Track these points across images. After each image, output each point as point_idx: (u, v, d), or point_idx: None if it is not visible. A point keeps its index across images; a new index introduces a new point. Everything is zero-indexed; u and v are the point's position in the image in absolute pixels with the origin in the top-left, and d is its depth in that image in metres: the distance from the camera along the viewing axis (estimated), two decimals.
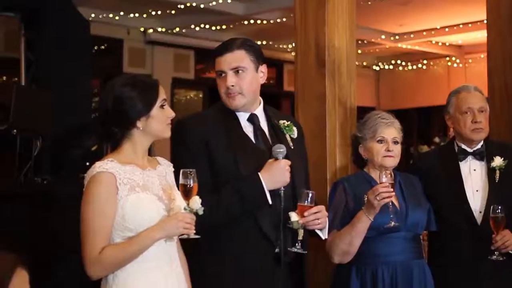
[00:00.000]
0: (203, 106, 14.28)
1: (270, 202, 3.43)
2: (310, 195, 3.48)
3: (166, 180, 3.23)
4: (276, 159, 3.45)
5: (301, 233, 3.50)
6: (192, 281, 3.31)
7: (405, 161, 4.18)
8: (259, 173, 3.43)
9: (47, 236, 5.60)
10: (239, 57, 3.58)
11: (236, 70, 3.56)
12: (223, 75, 3.57)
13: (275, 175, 3.42)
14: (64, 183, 6.58)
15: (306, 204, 3.47)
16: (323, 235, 3.64)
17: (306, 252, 3.58)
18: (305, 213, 3.46)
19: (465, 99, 4.27)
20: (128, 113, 3.07)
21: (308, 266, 3.81)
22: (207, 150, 3.48)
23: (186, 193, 3.08)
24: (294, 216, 3.48)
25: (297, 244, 3.51)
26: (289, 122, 3.67)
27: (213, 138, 3.50)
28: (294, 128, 3.67)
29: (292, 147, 3.60)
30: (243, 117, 3.64)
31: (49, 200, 5.75)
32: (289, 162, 3.47)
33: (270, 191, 3.44)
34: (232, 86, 3.55)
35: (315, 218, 3.48)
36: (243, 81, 3.57)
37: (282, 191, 3.46)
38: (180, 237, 3.11)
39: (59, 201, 5.74)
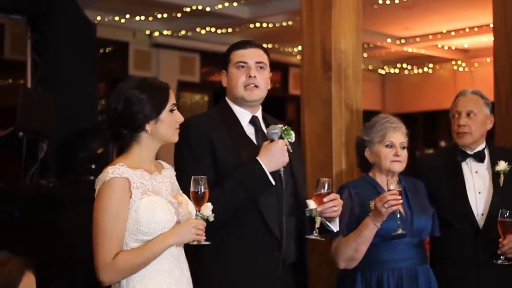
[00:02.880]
0: (209, 109, 14.27)
1: (273, 182, 3.44)
2: (327, 182, 3.51)
3: (173, 184, 3.23)
4: (272, 140, 3.47)
5: (318, 220, 3.52)
6: (196, 281, 3.30)
7: (410, 165, 4.17)
8: (257, 158, 3.43)
9: (53, 238, 5.61)
10: (262, 54, 3.72)
11: (260, 66, 3.67)
12: (244, 67, 3.65)
13: (273, 156, 3.43)
14: (69, 186, 6.59)
15: (323, 192, 3.50)
16: (335, 227, 3.65)
17: (323, 239, 3.61)
18: (325, 199, 3.49)
19: (456, 103, 4.29)
20: (137, 115, 3.05)
21: (312, 271, 3.81)
22: (211, 150, 3.50)
23: (198, 200, 3.09)
24: (312, 204, 3.50)
25: (314, 232, 3.53)
26: (286, 126, 3.66)
27: (217, 139, 3.52)
28: (292, 132, 3.64)
29: (291, 151, 3.59)
30: (244, 119, 3.68)
31: (55, 203, 5.76)
32: (285, 142, 3.49)
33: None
34: (254, 77, 3.62)
35: (333, 205, 3.52)
36: (263, 77, 3.68)
37: (282, 171, 3.48)
38: (190, 243, 3.10)
39: (64, 203, 5.75)
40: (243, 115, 3.68)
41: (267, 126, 3.71)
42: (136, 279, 3.02)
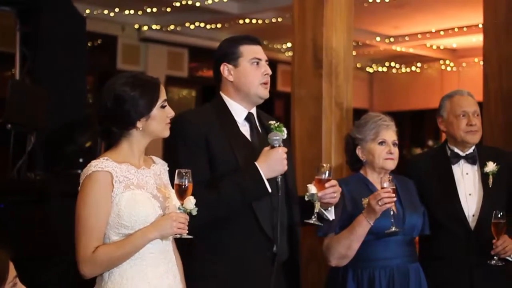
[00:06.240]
0: (196, 104, 14.28)
1: (269, 190, 3.42)
2: (328, 167, 3.53)
3: (161, 179, 3.22)
4: (273, 146, 3.45)
5: (317, 205, 3.54)
6: (188, 280, 3.30)
7: (399, 165, 4.19)
8: (256, 163, 3.41)
9: (39, 231, 5.59)
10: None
11: (267, 63, 3.67)
12: (259, 64, 3.62)
13: (272, 163, 3.42)
14: (57, 179, 6.56)
15: (324, 177, 3.52)
16: (331, 215, 3.66)
17: (321, 224, 3.63)
18: (327, 184, 3.51)
19: (459, 103, 4.31)
20: (128, 113, 3.04)
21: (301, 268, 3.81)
22: (206, 146, 3.47)
23: (181, 193, 3.07)
24: (313, 189, 3.51)
25: (313, 216, 3.54)
26: (278, 123, 3.64)
27: (212, 135, 3.49)
28: (284, 129, 3.63)
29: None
30: (240, 115, 3.64)
31: (42, 196, 5.74)
32: (285, 150, 3.47)
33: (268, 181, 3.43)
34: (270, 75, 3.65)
35: (333, 191, 3.54)
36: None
37: (279, 178, 3.47)
38: (173, 236, 3.10)
39: (51, 197, 5.73)
40: (239, 112, 3.63)
41: (261, 122, 3.71)
42: (118, 273, 3.02)
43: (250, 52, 3.62)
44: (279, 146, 3.45)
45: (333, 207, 3.66)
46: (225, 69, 3.63)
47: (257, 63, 3.61)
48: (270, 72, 3.63)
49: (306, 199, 3.53)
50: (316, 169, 3.56)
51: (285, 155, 3.45)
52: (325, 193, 3.52)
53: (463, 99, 4.32)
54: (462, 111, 4.28)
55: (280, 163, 3.43)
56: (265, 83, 3.62)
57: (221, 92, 3.69)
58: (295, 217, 3.65)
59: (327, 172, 3.53)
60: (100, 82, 11.73)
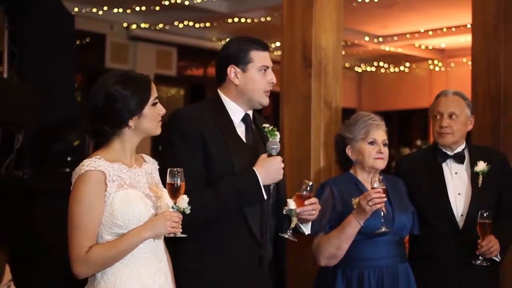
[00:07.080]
0: (185, 103, 14.25)
1: (265, 197, 3.45)
2: (310, 184, 3.53)
3: (152, 178, 3.22)
4: (270, 154, 3.47)
5: (294, 221, 3.54)
6: (176, 279, 3.29)
7: (389, 164, 4.19)
8: (254, 169, 3.44)
9: (26, 230, 5.57)
10: None
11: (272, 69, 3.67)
12: (266, 70, 3.62)
13: (270, 172, 3.46)
14: (44, 178, 6.54)
15: (305, 194, 3.53)
16: (307, 230, 3.68)
17: (296, 240, 3.62)
18: (306, 202, 3.52)
19: (438, 104, 4.34)
20: (120, 112, 3.03)
21: (287, 269, 3.82)
22: (202, 143, 3.47)
23: (174, 192, 3.07)
24: (292, 204, 3.52)
25: (288, 231, 3.55)
26: (272, 126, 3.67)
27: (208, 133, 3.49)
28: (277, 133, 3.65)
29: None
30: (237, 116, 3.64)
31: (30, 194, 5.72)
32: (282, 159, 3.50)
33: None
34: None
35: (312, 208, 3.54)
36: None
37: (272, 186, 3.49)
38: (167, 235, 3.10)
39: (38, 195, 5.70)
40: (236, 112, 3.63)
41: (256, 125, 3.71)
42: (111, 272, 3.01)
43: (260, 59, 3.62)
44: (277, 154, 3.49)
45: (310, 222, 3.67)
46: (232, 72, 3.61)
47: (265, 70, 3.62)
48: (275, 80, 3.64)
49: (284, 213, 3.54)
50: (298, 184, 3.58)
51: (282, 165, 3.49)
52: (304, 210, 3.54)
53: (444, 100, 4.34)
54: (437, 111, 4.32)
55: (277, 172, 3.48)
56: (268, 91, 3.64)
57: (220, 91, 3.68)
58: (283, 223, 3.65)
59: (308, 189, 3.54)
60: (88, 81, 11.70)
